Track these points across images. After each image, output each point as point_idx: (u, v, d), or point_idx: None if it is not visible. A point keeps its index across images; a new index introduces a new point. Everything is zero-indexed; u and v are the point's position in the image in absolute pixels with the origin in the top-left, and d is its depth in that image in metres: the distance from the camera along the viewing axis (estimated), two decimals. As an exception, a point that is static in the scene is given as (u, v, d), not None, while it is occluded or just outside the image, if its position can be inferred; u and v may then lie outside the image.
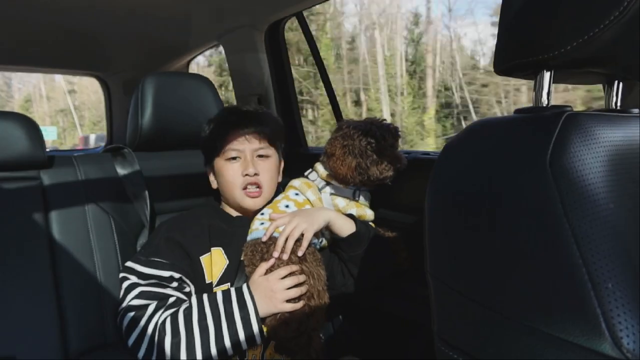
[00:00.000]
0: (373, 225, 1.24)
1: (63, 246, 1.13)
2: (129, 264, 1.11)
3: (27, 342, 1.03)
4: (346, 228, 1.13)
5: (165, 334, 0.97)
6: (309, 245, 1.09)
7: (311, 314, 1.05)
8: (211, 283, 1.10)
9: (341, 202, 1.21)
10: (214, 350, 0.96)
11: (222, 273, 1.11)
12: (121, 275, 1.10)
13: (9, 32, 1.63)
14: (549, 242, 0.39)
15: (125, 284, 1.07)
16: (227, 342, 0.97)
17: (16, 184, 1.14)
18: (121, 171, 1.29)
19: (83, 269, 1.13)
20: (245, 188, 1.18)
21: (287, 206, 1.19)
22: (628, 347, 0.35)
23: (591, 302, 0.36)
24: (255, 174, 1.18)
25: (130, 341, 1.00)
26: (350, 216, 1.17)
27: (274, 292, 1.02)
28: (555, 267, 0.38)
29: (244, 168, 1.18)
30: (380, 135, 1.16)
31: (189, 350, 0.96)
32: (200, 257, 1.11)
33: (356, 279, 1.16)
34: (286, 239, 1.06)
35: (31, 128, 1.15)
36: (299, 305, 1.03)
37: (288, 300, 1.02)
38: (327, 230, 1.15)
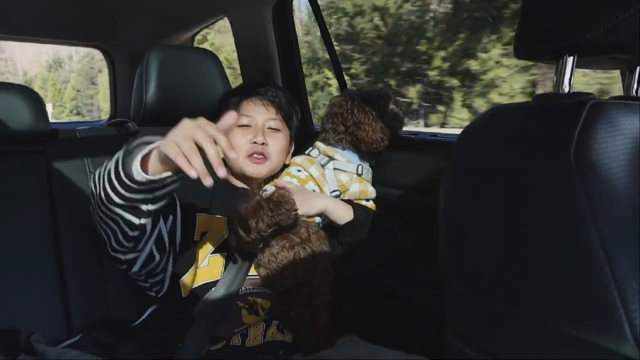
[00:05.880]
0: (374, 205, 1.22)
1: (66, 220, 1.12)
2: None
3: (31, 317, 1.04)
4: (344, 216, 1.12)
5: None
6: (312, 224, 1.08)
7: (316, 291, 1.05)
8: (197, 242, 1.07)
9: (344, 177, 1.20)
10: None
11: (219, 243, 1.08)
12: None
13: (8, 0, 1.59)
14: (573, 240, 0.38)
15: None
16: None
17: (20, 158, 1.13)
18: (125, 145, 1.27)
19: (86, 244, 1.13)
20: (250, 156, 1.17)
21: (289, 182, 1.18)
22: None
23: (614, 302, 0.35)
24: (263, 144, 1.16)
25: None
26: (349, 202, 1.16)
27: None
28: (578, 265, 0.37)
29: (252, 135, 1.16)
30: (386, 95, 1.22)
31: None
32: (197, 214, 1.08)
33: (357, 262, 1.15)
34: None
35: (35, 101, 1.13)
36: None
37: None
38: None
